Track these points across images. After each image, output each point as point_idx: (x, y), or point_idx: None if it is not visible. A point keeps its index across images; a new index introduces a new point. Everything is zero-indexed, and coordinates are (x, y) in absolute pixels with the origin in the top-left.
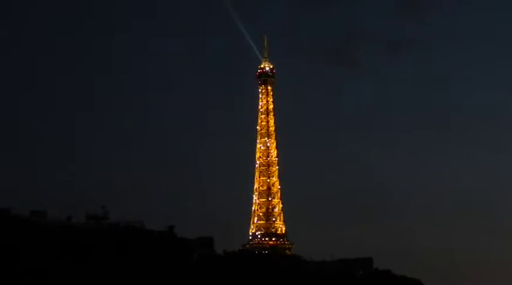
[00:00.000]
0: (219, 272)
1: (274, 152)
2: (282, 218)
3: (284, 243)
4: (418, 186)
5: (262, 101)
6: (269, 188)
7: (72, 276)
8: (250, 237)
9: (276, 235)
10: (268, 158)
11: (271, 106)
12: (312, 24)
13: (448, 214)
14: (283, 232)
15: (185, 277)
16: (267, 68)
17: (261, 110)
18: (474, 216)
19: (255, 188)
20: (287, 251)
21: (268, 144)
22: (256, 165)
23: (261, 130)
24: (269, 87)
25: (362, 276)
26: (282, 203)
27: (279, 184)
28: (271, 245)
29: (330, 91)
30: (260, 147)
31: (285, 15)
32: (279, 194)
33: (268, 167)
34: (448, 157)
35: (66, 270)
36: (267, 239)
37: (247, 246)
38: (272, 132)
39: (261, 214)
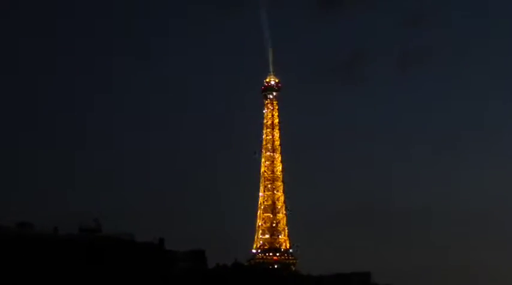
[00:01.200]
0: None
1: (279, 167)
2: (286, 233)
3: (288, 259)
4: (418, 201)
5: (267, 115)
6: (274, 203)
7: None
8: (254, 252)
9: (280, 250)
10: (273, 173)
11: (276, 120)
12: (319, 39)
13: (446, 229)
14: (288, 247)
15: None
16: (273, 82)
17: (266, 124)
18: (474, 232)
19: (259, 202)
20: (291, 267)
21: (273, 158)
22: (261, 179)
23: (266, 144)
24: (274, 101)
25: None
26: (287, 218)
27: (284, 199)
28: (276, 261)
29: (335, 106)
30: (265, 161)
31: (295, 29)
32: (283, 209)
33: (273, 181)
34: (451, 173)
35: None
36: (271, 254)
37: (251, 261)
38: (277, 146)
39: (265, 229)
